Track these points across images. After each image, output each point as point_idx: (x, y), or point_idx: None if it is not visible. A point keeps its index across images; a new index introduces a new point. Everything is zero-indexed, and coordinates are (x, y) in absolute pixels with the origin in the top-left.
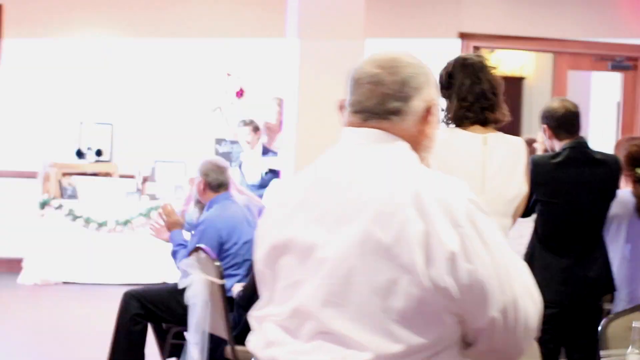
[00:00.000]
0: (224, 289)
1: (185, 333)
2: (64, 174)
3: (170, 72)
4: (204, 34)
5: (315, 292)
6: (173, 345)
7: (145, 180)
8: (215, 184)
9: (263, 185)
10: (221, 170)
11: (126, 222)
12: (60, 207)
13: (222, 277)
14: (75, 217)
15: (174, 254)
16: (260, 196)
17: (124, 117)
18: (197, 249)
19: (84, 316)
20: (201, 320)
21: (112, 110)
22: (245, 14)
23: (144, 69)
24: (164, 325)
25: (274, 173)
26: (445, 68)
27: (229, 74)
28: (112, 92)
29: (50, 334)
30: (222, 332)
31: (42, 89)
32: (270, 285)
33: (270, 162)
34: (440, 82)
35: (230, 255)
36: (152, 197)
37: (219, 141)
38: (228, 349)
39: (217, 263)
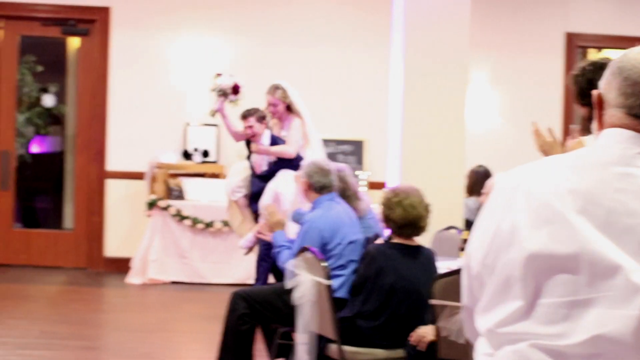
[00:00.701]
0: (330, 289)
1: (292, 333)
2: (171, 175)
3: (273, 73)
4: (307, 38)
5: (629, 322)
6: (280, 345)
7: None
8: (317, 186)
9: (270, 175)
10: (325, 172)
11: None
12: (167, 207)
13: (329, 277)
14: (182, 218)
15: (277, 254)
16: (262, 188)
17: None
18: (303, 250)
19: (191, 316)
20: (308, 321)
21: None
22: (350, 35)
23: (247, 69)
24: (271, 325)
25: (282, 163)
26: (581, 74)
27: (219, 74)
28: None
29: (158, 334)
30: (330, 333)
31: (149, 90)
32: (518, 296)
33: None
34: (579, 88)
35: (335, 256)
36: None
37: (325, 142)
38: (335, 348)
39: (324, 263)
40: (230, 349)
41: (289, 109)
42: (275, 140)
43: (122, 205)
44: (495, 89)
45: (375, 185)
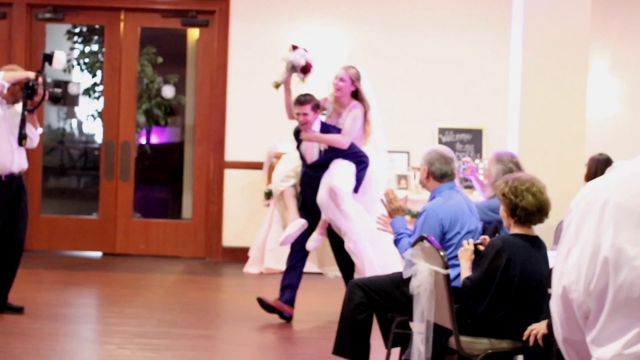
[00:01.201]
0: (448, 279)
1: (409, 323)
2: None
3: (392, 62)
4: (426, 27)
5: None
6: (397, 334)
7: None
8: (438, 173)
9: (322, 165)
10: (446, 160)
11: None
12: None
13: (446, 266)
14: None
15: (396, 242)
16: (318, 177)
17: None
18: (421, 238)
19: (308, 305)
20: (426, 310)
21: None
22: (470, 23)
23: (366, 59)
24: (388, 314)
25: (334, 152)
26: None
27: (295, 47)
28: None
29: (275, 324)
30: (447, 322)
31: (267, 80)
32: None
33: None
34: None
35: (453, 245)
36: None
37: (442, 131)
38: (452, 339)
39: (442, 252)
40: (347, 337)
41: (355, 95)
42: (327, 128)
43: (240, 195)
44: (614, 76)
45: None
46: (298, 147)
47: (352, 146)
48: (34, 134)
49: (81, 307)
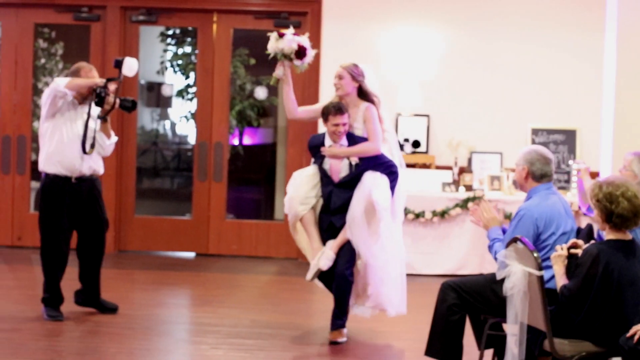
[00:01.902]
0: (542, 280)
1: (502, 324)
2: None
3: (485, 62)
4: (519, 29)
5: None
6: (490, 336)
7: (462, 171)
8: (538, 174)
9: (352, 182)
10: (546, 161)
11: (443, 214)
12: None
13: (540, 268)
14: None
15: (490, 247)
16: (345, 199)
17: (440, 108)
18: (515, 240)
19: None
20: (519, 312)
21: (428, 101)
22: (562, 24)
23: (459, 60)
24: (481, 316)
25: (366, 163)
26: None
27: (281, 35)
28: (430, 83)
29: (366, 324)
30: (541, 325)
31: None
32: None
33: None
34: None
35: (547, 246)
36: (469, 188)
37: (535, 131)
38: (547, 342)
39: (536, 254)
40: (440, 339)
41: (360, 93)
42: (353, 139)
43: None
44: None
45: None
46: (319, 163)
47: (382, 156)
48: (105, 143)
49: (174, 307)
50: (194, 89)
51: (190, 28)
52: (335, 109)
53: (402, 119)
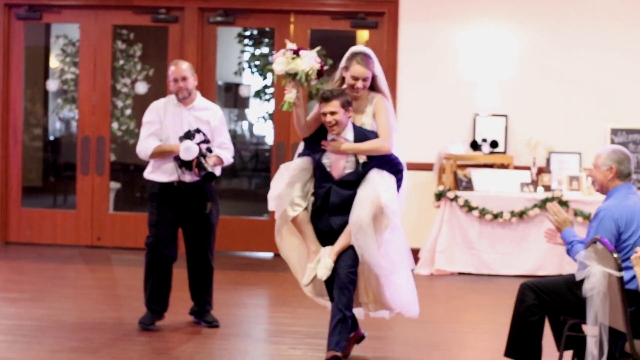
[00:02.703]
0: (622, 282)
1: (582, 325)
2: (459, 166)
3: (563, 62)
4: (595, 30)
5: None
6: (569, 337)
7: (540, 171)
8: (625, 172)
9: (355, 181)
10: (630, 160)
11: (521, 214)
12: (455, 198)
13: (620, 269)
14: (470, 208)
15: (569, 251)
16: (349, 195)
17: (518, 108)
18: (594, 240)
19: (479, 307)
20: (599, 313)
21: (506, 101)
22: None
23: (536, 61)
24: (560, 316)
25: (372, 162)
26: None
27: (296, 52)
28: (508, 83)
29: (445, 325)
30: (621, 326)
31: (437, 81)
32: None
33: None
34: None
35: (628, 247)
36: (547, 189)
37: (614, 131)
38: (627, 344)
39: (615, 255)
40: (519, 340)
41: (371, 83)
42: (362, 133)
43: (410, 196)
44: None
45: None
46: (318, 157)
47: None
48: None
49: (253, 307)
50: (271, 90)
51: (267, 29)
52: (322, 96)
53: (480, 119)
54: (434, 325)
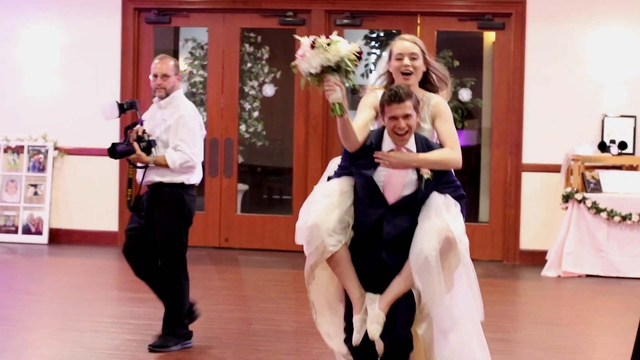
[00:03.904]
0: None
1: None
2: (587, 167)
3: None
4: None
5: None
6: None
7: None
8: None
9: (410, 205)
10: None
11: None
12: (583, 200)
13: None
14: (598, 210)
15: None
16: (406, 225)
17: None
18: None
19: (607, 310)
20: None
21: (635, 101)
22: None
23: None
24: None
25: (436, 180)
26: None
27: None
28: (635, 83)
29: (572, 327)
30: None
31: (565, 82)
32: None
33: None
34: None
35: None
36: None
37: None
38: None
39: None
40: None
41: (425, 80)
42: (426, 142)
43: (537, 198)
44: None
45: None
46: (369, 177)
47: (450, 172)
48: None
49: None
50: None
51: (394, 31)
52: (391, 96)
53: (608, 119)
54: (561, 327)
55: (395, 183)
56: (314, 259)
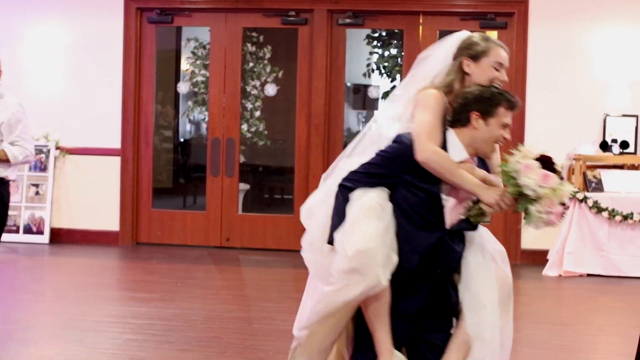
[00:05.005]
0: None
1: None
2: (589, 167)
3: None
4: None
5: None
6: None
7: None
8: None
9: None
10: None
11: None
12: (584, 199)
13: None
14: (600, 210)
15: None
16: (459, 239)
17: None
18: None
19: (608, 310)
20: None
21: (637, 101)
22: None
23: None
24: None
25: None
26: None
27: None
28: (637, 83)
29: (573, 327)
30: None
31: (567, 82)
32: None
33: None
34: None
35: None
36: None
37: None
38: None
39: None
40: None
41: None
42: (481, 158)
43: None
44: None
45: None
46: (435, 193)
47: None
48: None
49: None
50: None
51: (396, 30)
52: (515, 103)
53: (611, 119)
54: (562, 327)
55: (458, 204)
56: (358, 292)
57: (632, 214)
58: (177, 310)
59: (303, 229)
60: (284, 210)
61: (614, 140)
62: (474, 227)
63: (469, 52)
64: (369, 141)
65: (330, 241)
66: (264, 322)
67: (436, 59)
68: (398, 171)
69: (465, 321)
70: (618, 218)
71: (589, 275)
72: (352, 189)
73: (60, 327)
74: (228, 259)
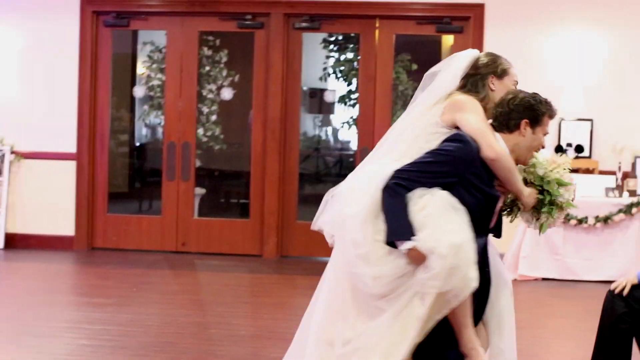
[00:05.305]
0: None
1: None
2: None
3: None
4: None
5: None
6: None
7: (625, 176)
8: None
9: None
10: None
11: (606, 219)
12: None
13: None
14: None
15: None
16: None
17: (603, 112)
18: None
19: (563, 314)
20: None
21: (591, 105)
22: None
23: (623, 66)
24: None
25: None
26: None
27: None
28: (592, 87)
29: (528, 331)
30: None
31: (523, 86)
32: None
33: None
34: None
35: None
36: (633, 194)
37: None
38: None
39: None
40: (607, 349)
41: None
42: None
43: None
44: None
45: None
46: (496, 195)
47: None
48: None
49: None
50: (356, 95)
51: (352, 34)
52: (553, 109)
53: (565, 123)
54: (518, 331)
55: (499, 207)
56: (445, 303)
57: (586, 218)
58: (133, 315)
59: (259, 234)
60: (240, 214)
61: (569, 145)
62: (499, 234)
63: (495, 70)
64: (406, 143)
65: (391, 243)
66: (219, 327)
67: (447, 77)
68: (463, 170)
69: (492, 336)
70: (573, 222)
71: (544, 279)
72: (408, 189)
73: (15, 333)
74: (184, 263)
